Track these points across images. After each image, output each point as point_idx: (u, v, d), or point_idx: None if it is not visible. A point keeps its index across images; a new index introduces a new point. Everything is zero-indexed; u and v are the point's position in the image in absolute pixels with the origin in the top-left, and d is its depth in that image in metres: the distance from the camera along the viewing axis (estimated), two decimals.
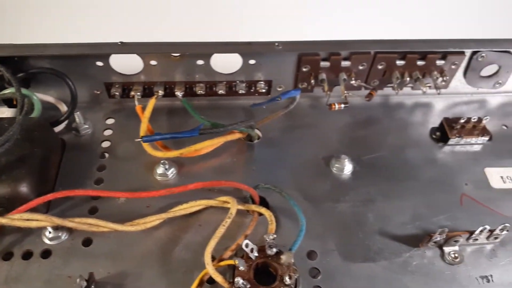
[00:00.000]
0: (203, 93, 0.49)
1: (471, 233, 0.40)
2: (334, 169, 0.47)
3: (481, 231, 0.40)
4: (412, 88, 0.52)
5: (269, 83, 0.51)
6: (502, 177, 0.47)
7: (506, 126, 0.53)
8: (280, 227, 0.42)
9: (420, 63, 0.49)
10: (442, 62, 0.49)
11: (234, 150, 0.49)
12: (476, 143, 0.50)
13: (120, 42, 0.45)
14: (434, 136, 0.50)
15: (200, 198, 0.42)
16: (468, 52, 0.49)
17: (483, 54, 0.49)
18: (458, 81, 0.53)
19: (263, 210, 0.41)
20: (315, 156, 0.48)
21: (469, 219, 0.44)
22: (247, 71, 0.49)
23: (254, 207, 0.42)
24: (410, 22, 0.68)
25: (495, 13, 0.72)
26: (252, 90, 0.51)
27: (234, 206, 0.40)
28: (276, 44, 0.46)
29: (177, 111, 0.51)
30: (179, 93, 0.49)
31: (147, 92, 0.50)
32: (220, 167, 0.47)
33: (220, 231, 0.38)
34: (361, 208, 0.44)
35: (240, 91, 0.50)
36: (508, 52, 0.50)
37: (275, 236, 0.37)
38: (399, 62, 0.49)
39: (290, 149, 0.49)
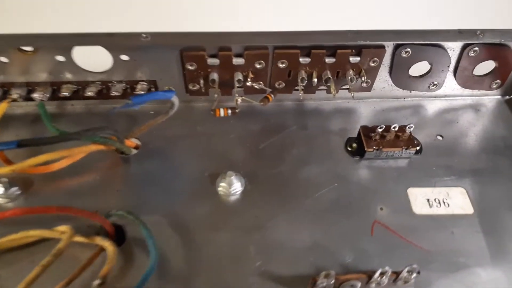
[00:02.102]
0: (68, 95, 0.41)
1: (370, 276, 0.31)
2: (220, 188, 0.38)
3: (382, 273, 0.31)
4: (327, 91, 0.43)
5: (154, 84, 0.42)
6: (428, 200, 0.39)
7: (441, 136, 0.44)
8: (140, 264, 0.33)
9: (329, 60, 0.40)
10: (357, 58, 0.40)
11: (104, 164, 0.40)
12: (400, 157, 0.41)
13: None
14: (349, 149, 0.42)
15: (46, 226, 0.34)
16: (389, 47, 0.40)
17: (407, 49, 0.40)
18: (384, 83, 0.44)
19: (106, 244, 0.33)
20: (201, 172, 0.40)
21: (379, 253, 0.35)
22: (123, 69, 0.41)
23: (98, 240, 0.33)
24: (317, 12, 0.58)
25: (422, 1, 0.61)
26: (135, 92, 0.42)
27: (66, 239, 0.31)
28: (144, 35, 0.37)
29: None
30: (37, 96, 0.40)
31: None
32: (80, 186, 0.38)
33: (34, 273, 0.29)
34: (244, 238, 0.35)
35: (114, 93, 0.41)
36: (438, 46, 0.41)
37: (99, 281, 0.28)
38: (304, 60, 0.40)
39: (172, 164, 0.40)
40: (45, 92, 0.41)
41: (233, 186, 0.38)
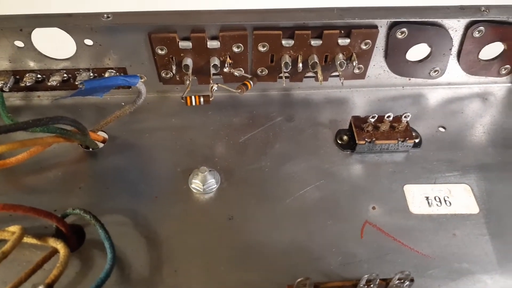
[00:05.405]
0: (31, 85, 0.37)
1: (355, 284, 0.27)
2: (193, 185, 0.34)
3: (369, 281, 0.27)
4: (315, 79, 0.39)
5: (123, 71, 0.39)
6: (427, 198, 0.34)
7: (444, 127, 0.39)
8: (98, 269, 0.30)
9: (315, 42, 0.36)
10: (347, 40, 0.36)
11: (67, 160, 0.37)
12: (396, 151, 0.37)
13: None
14: (339, 142, 0.37)
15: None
16: (382, 26, 0.36)
17: (403, 29, 0.36)
18: (380, 69, 0.40)
19: (59, 246, 0.29)
20: (173, 168, 0.36)
21: (369, 258, 0.31)
22: (88, 56, 0.37)
23: (51, 242, 0.29)
24: None
25: None
26: None
27: (12, 241, 0.28)
28: (105, 15, 0.34)
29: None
30: None
31: None
32: (40, 183, 0.35)
33: None
34: (215, 241, 0.31)
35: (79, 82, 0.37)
36: (438, 25, 0.36)
37: None
38: (287, 42, 0.36)
39: (142, 159, 0.37)
40: (6, 81, 0.38)
41: (207, 183, 0.34)
